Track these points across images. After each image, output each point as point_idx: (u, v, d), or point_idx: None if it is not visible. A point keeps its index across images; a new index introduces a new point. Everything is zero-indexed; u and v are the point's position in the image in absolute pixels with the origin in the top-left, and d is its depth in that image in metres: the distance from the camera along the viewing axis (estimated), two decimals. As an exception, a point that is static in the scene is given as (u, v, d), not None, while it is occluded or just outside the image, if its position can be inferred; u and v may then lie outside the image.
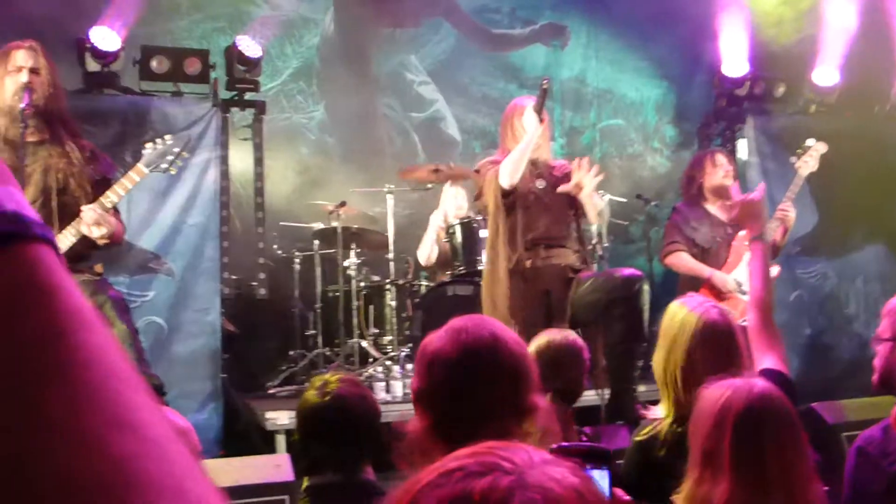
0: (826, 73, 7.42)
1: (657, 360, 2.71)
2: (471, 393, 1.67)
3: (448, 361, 1.70)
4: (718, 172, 5.61)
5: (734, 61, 7.25)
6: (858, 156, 7.22)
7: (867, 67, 7.48)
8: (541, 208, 4.65)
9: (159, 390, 3.85)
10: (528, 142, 4.50)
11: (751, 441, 1.87)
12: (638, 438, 2.70)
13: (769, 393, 1.97)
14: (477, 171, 4.79)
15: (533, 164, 4.63)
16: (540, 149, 4.72)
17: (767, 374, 2.67)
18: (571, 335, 3.27)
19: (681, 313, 2.69)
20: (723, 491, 1.84)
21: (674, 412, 2.61)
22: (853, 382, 6.31)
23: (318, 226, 6.77)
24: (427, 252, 6.52)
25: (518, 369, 1.71)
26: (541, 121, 4.57)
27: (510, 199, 4.55)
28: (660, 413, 2.69)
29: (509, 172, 4.49)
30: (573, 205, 4.78)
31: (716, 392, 1.98)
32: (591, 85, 8.39)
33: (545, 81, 4.62)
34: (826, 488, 4.49)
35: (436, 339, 1.76)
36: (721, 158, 5.72)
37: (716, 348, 2.61)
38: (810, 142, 5.58)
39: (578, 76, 8.33)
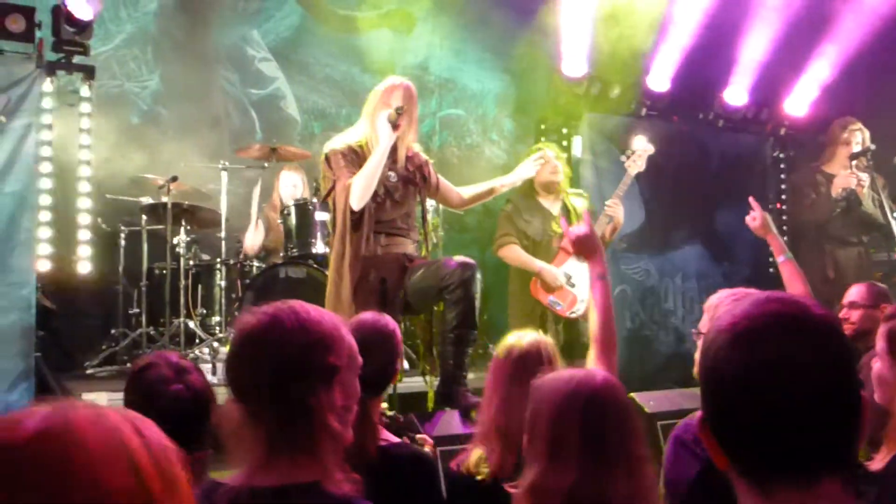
0: (659, 80, 7.73)
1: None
2: (247, 378, 1.69)
3: (235, 343, 1.73)
4: (545, 168, 5.73)
5: (573, 61, 7.44)
6: (683, 159, 7.57)
7: (696, 77, 7.84)
8: (390, 202, 4.54)
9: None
10: (379, 156, 4.37)
11: (599, 427, 1.91)
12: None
13: (611, 381, 2.02)
14: (327, 160, 4.58)
15: (391, 153, 4.49)
16: (402, 138, 4.59)
17: None
18: (383, 318, 2.97)
19: (501, 347, 2.78)
20: (571, 477, 1.86)
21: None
22: (670, 374, 6.62)
23: (147, 200, 6.50)
24: (252, 239, 6.39)
25: (291, 361, 1.68)
26: (395, 127, 4.45)
27: (358, 213, 4.42)
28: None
29: (360, 195, 4.34)
30: (420, 196, 4.74)
31: (558, 381, 1.99)
32: (434, 73, 8.41)
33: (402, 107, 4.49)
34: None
35: (247, 316, 1.76)
36: (548, 154, 5.85)
37: (525, 379, 2.69)
38: (639, 143, 5.78)
39: (422, 64, 8.33)
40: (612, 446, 1.88)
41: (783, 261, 3.91)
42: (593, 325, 2.84)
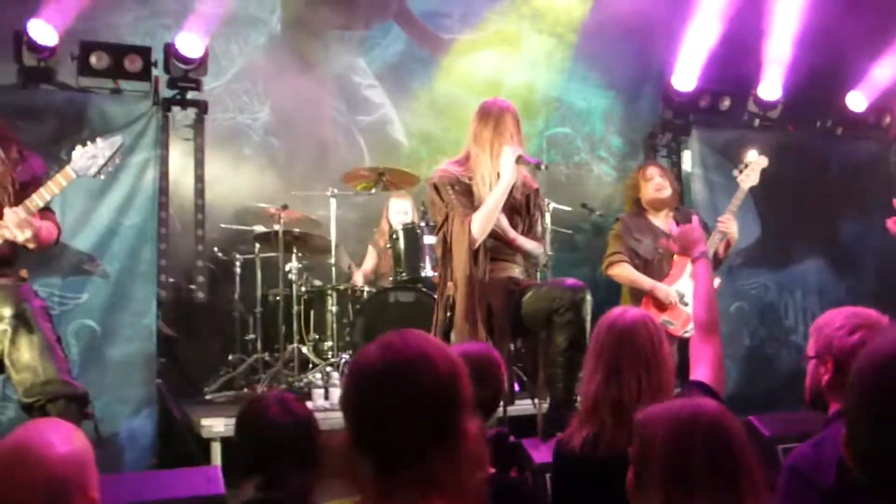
0: (770, 89, 7.51)
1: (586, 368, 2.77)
2: (390, 412, 1.60)
3: (371, 377, 1.64)
4: (649, 186, 5.60)
5: (683, 74, 7.29)
6: (800, 170, 7.32)
7: (810, 84, 7.58)
8: (496, 227, 4.53)
9: (83, 400, 3.70)
10: (501, 192, 4.36)
11: (723, 455, 1.85)
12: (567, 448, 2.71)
13: (724, 407, 1.97)
14: (436, 190, 4.57)
15: (499, 175, 4.48)
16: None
17: (695, 386, 2.67)
18: (488, 347, 3.09)
19: (605, 321, 2.76)
20: None
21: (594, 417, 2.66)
22: (792, 394, 6.35)
23: (260, 229, 6.67)
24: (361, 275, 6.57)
25: (443, 392, 1.64)
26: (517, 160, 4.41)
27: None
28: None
29: (481, 228, 4.37)
30: (525, 220, 4.69)
31: (670, 411, 1.94)
32: (540, 92, 8.37)
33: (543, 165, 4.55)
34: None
35: (366, 351, 1.68)
36: (651, 171, 5.70)
37: (631, 350, 2.66)
38: (752, 156, 5.60)
39: (527, 83, 8.30)
40: (737, 473, 1.82)
41: None
42: (697, 308, 2.90)
